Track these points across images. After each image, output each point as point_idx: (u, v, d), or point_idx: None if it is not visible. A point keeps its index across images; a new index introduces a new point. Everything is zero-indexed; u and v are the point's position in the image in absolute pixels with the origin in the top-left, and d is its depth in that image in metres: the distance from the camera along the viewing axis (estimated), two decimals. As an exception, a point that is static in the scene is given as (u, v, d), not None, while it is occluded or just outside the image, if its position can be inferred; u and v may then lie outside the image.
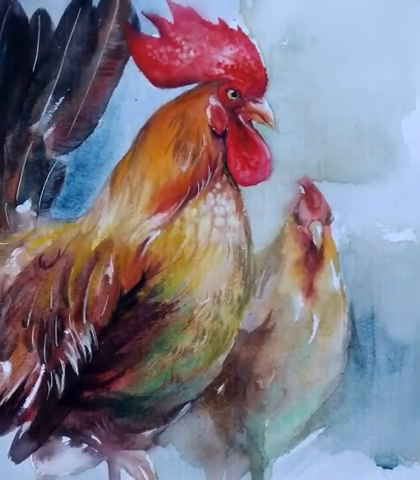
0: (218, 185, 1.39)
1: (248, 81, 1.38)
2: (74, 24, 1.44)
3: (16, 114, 1.45)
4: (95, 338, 1.38)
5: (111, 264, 1.37)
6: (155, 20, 1.39)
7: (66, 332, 1.39)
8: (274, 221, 1.50)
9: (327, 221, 1.50)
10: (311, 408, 1.51)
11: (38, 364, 1.40)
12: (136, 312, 1.37)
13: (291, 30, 1.49)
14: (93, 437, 1.44)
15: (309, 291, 1.48)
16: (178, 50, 1.38)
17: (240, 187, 1.41)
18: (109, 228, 1.39)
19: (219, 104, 1.39)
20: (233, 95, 1.39)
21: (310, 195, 1.49)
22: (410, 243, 1.52)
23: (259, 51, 1.38)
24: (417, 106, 1.52)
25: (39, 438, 1.42)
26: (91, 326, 1.37)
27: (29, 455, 1.44)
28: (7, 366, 1.42)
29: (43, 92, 1.45)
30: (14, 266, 1.44)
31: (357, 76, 1.50)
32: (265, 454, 1.51)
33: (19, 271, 1.44)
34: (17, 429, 1.43)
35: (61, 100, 1.45)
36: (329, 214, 1.50)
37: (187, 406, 1.46)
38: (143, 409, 1.42)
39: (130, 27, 1.43)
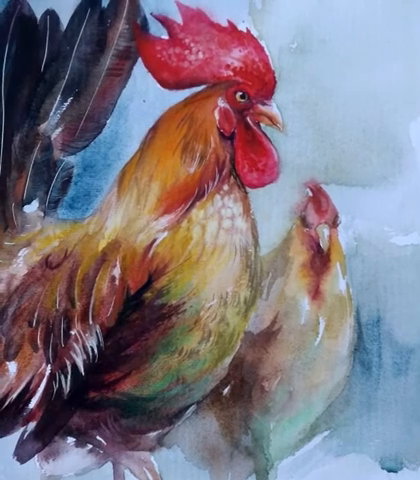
0: (226, 187, 1.39)
1: (257, 83, 1.38)
2: (83, 24, 1.44)
3: (24, 114, 1.45)
4: (101, 339, 1.38)
5: (118, 265, 1.37)
6: (164, 21, 1.39)
7: (72, 333, 1.39)
8: (281, 223, 1.49)
9: (334, 224, 1.50)
10: (316, 411, 1.51)
11: (44, 364, 1.40)
12: (142, 313, 1.37)
13: (300, 32, 1.49)
14: (98, 438, 1.44)
15: (315, 294, 1.48)
16: (187, 52, 1.38)
17: (248, 189, 1.41)
18: (116, 229, 1.39)
19: (227, 106, 1.39)
20: (241, 97, 1.39)
21: (317, 198, 1.49)
22: (417, 246, 1.52)
23: (268, 53, 1.39)
24: (425, 110, 1.52)
25: (44, 438, 1.42)
26: (97, 327, 1.37)
27: (34, 455, 1.44)
28: (13, 366, 1.42)
29: (51, 92, 1.45)
30: (21, 266, 1.44)
31: (365, 79, 1.50)
32: (270, 456, 1.51)
33: (26, 271, 1.44)
34: (22, 429, 1.43)
35: (69, 100, 1.45)
36: (336, 217, 1.50)
37: (192, 408, 1.45)
38: (148, 410, 1.42)
39: (139, 28, 1.43)
